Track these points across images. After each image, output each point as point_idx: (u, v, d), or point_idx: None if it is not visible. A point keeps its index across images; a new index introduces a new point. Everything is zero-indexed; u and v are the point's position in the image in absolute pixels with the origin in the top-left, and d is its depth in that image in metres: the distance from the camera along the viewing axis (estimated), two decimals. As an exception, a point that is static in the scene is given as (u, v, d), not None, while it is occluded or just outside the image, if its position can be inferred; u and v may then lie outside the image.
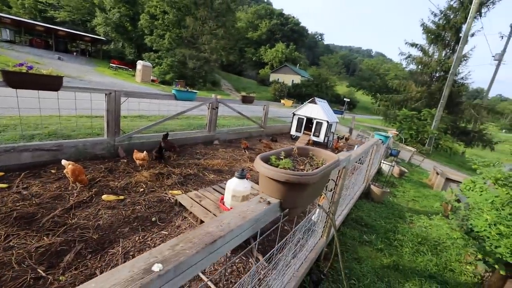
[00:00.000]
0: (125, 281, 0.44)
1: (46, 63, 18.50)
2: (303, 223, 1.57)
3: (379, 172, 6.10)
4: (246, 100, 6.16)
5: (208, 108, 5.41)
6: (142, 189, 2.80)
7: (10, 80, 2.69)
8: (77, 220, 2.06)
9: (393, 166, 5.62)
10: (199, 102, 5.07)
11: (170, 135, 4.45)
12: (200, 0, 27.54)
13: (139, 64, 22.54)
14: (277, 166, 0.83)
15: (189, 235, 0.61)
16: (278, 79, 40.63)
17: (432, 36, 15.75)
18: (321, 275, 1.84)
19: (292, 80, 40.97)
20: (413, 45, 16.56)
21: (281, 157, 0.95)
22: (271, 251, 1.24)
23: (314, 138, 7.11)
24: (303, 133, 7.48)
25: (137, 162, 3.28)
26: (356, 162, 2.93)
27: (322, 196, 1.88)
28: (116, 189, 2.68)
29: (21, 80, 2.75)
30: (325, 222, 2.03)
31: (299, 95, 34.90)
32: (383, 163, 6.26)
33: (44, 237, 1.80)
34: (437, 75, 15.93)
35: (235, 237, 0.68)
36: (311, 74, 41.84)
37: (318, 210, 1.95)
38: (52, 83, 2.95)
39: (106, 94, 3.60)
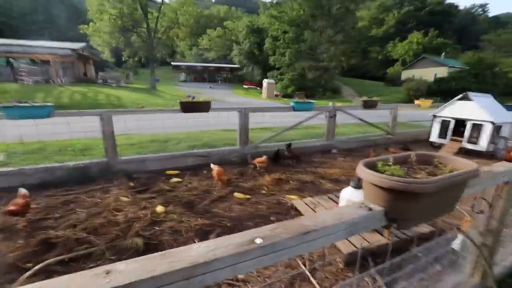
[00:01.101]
0: (236, 245, 0.60)
1: (202, 92, 24.80)
2: (433, 246, 1.28)
3: None
4: (368, 105, 5.64)
5: (326, 117, 5.40)
6: (264, 192, 3.21)
7: (183, 107, 3.90)
8: (217, 210, 2.68)
9: None
10: (316, 112, 5.17)
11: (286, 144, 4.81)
12: (317, 11, 28.03)
13: (264, 82, 25.73)
14: (383, 173, 0.78)
15: (287, 223, 0.71)
16: (413, 76, 33.68)
17: None
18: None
19: (435, 74, 32.89)
20: None
21: (389, 163, 0.87)
22: (393, 275, 1.11)
23: (469, 146, 5.38)
24: (450, 139, 5.84)
25: (258, 164, 3.83)
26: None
27: (467, 219, 1.44)
28: (245, 189, 3.23)
29: (188, 107, 3.93)
30: (476, 257, 1.53)
31: (446, 91, 27.29)
32: None
33: (199, 218, 2.47)
34: None
35: (329, 235, 0.72)
36: (464, 62, 31.84)
37: (460, 236, 1.50)
38: (205, 107, 4.01)
39: (238, 111, 4.43)
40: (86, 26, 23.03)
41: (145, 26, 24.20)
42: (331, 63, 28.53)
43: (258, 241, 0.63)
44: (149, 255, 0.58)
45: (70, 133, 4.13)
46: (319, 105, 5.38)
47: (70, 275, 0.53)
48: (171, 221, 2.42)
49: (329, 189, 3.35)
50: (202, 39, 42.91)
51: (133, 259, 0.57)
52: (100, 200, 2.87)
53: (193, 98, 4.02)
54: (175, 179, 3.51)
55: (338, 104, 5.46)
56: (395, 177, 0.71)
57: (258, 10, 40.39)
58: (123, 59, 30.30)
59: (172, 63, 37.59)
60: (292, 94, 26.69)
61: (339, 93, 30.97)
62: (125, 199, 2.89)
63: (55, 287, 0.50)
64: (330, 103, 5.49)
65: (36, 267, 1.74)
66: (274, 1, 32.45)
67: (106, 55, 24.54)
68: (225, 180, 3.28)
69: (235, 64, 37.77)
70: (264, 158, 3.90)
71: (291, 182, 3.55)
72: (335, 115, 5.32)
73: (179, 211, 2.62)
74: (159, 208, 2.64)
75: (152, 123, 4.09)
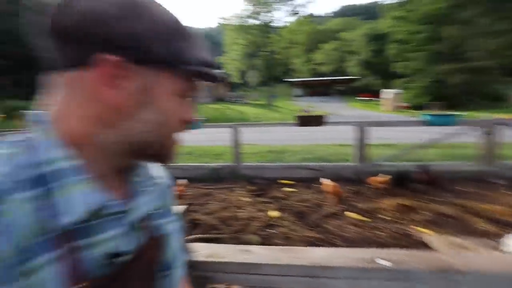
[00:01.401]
0: (356, 259, 0.60)
1: (316, 106, 24.91)
2: None
3: None
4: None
5: (480, 134, 4.09)
6: (385, 217, 2.80)
7: (299, 121, 4.09)
8: (329, 226, 2.58)
9: None
10: (461, 127, 4.04)
11: (419, 166, 3.99)
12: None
13: (385, 93, 22.77)
14: None
15: (417, 253, 0.61)
16: None
17: None
18: None
19: None
20: None
21: None
22: None
23: None
24: None
25: (374, 184, 3.42)
26: None
27: None
28: (359, 210, 2.94)
29: (304, 120, 4.08)
30: None
31: None
32: None
33: (310, 230, 2.48)
34: None
35: (483, 282, 0.55)
36: None
37: None
38: (320, 121, 4.02)
39: (354, 126, 4.15)
40: (221, 56, 28.95)
41: (266, 50, 27.54)
42: (487, 61, 21.50)
43: (380, 261, 0.58)
44: (276, 246, 0.67)
45: (208, 141, 5.24)
46: (468, 118, 4.16)
47: (220, 244, 0.70)
48: (284, 227, 2.56)
49: (484, 231, 2.49)
50: (317, 54, 43.64)
51: (266, 246, 0.68)
52: (227, 197, 3.44)
53: (308, 112, 4.14)
54: (288, 188, 3.70)
55: (502, 116, 4.00)
56: None
57: (378, 15, 36.86)
58: (248, 80, 35.67)
59: (288, 79, 40.29)
60: (424, 105, 22.11)
61: (503, 101, 22.60)
62: (245, 199, 3.33)
63: (211, 249, 0.69)
64: (482, 116, 4.12)
65: (189, 237, 2.30)
66: (401, 1, 28.54)
67: (235, 77, 29.54)
68: (341, 195, 3.13)
69: (350, 75, 35.81)
70: (385, 177, 3.40)
71: (423, 212, 2.90)
72: (493, 132, 3.93)
73: (291, 219, 2.73)
74: (274, 213, 2.85)
75: (270, 135, 4.54)
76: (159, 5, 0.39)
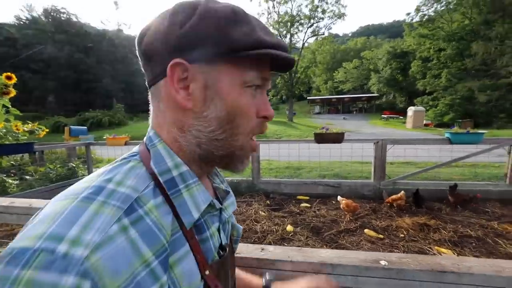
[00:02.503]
0: (360, 259, 0.70)
1: (336, 123, 24.70)
2: None
3: None
4: None
5: (509, 152, 3.93)
6: (402, 235, 2.76)
7: (317, 138, 4.20)
8: (344, 242, 2.60)
9: None
10: (487, 146, 3.91)
11: (439, 184, 3.89)
12: (494, 15, 21.52)
13: (410, 110, 22.08)
14: None
15: (419, 258, 0.71)
16: None
17: None
18: None
19: None
20: None
21: None
22: None
23: None
24: None
25: (392, 202, 3.41)
26: None
27: None
28: (377, 227, 2.93)
29: (322, 138, 4.19)
30: None
31: None
32: None
33: (324, 245, 2.52)
34: None
35: (475, 285, 0.64)
36: None
37: None
38: (338, 138, 4.11)
39: (374, 143, 4.17)
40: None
41: (287, 69, 28.21)
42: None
43: (383, 262, 0.69)
44: (290, 247, 0.80)
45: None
46: (496, 137, 4.02)
47: (241, 244, 0.84)
48: (299, 242, 2.63)
49: (508, 254, 2.37)
50: (338, 72, 43.78)
51: (292, 247, 0.81)
52: (245, 210, 3.58)
53: (327, 129, 4.25)
54: (304, 204, 3.76)
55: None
56: None
57: (401, 34, 36.56)
58: (269, 98, 36.48)
59: (309, 97, 40.59)
60: (450, 122, 21.07)
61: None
62: (262, 213, 3.44)
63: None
64: (517, 134, 3.96)
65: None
66: (424, 19, 28.26)
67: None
68: (357, 212, 3.14)
69: (373, 93, 35.26)
70: (400, 194, 3.38)
71: (443, 231, 2.82)
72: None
73: (306, 234, 2.79)
74: (289, 227, 2.93)
75: (289, 151, 4.68)
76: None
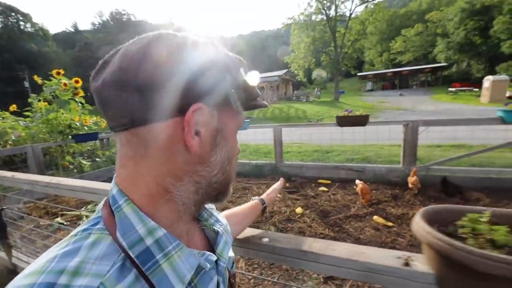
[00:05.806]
0: (252, 235, 0.87)
1: (389, 100, 22.28)
2: None
3: None
4: None
5: None
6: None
7: (339, 121, 4.08)
8: (348, 227, 2.62)
9: None
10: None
11: (489, 172, 3.40)
12: None
13: (487, 80, 18.29)
14: (462, 239, 0.57)
15: (291, 238, 0.81)
16: None
17: None
18: None
19: None
20: None
21: (482, 219, 0.60)
22: None
23: None
24: None
25: (410, 185, 3.25)
26: None
27: None
28: (390, 215, 2.82)
29: (344, 120, 4.04)
30: None
31: None
32: None
33: (327, 229, 2.60)
34: None
35: (326, 264, 0.72)
36: None
37: None
38: (361, 121, 3.91)
39: (404, 125, 3.83)
40: (288, 56, 29.05)
41: (333, 45, 26.18)
42: None
43: (265, 240, 0.83)
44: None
45: (261, 140, 5.68)
46: None
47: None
48: (303, 223, 2.76)
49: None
50: (395, 42, 38.48)
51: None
52: (263, 192, 3.82)
53: (350, 112, 4.07)
54: (322, 188, 3.79)
55: None
56: (460, 244, 0.51)
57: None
58: (313, 77, 34.71)
59: (359, 73, 37.18)
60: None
61: None
62: (279, 195, 3.63)
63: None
64: None
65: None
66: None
67: (301, 75, 29.36)
68: (368, 199, 3.07)
69: (439, 63, 30.15)
70: (412, 172, 3.29)
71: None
72: None
73: (313, 216, 2.89)
74: (298, 209, 3.06)
75: (321, 135, 4.65)
76: (214, 45, 0.37)
